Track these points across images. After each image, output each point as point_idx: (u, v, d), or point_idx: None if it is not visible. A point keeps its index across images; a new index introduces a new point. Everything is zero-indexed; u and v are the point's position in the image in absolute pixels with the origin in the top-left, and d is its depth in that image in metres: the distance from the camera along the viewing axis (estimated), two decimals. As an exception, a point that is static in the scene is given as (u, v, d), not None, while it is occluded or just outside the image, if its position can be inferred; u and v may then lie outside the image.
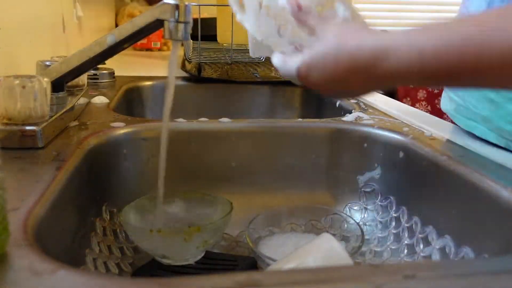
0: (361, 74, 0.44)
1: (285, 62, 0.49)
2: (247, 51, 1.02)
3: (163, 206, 0.58)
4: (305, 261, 0.46)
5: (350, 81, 0.46)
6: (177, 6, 0.54)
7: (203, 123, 0.69)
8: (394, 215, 0.65)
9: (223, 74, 1.03)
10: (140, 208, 0.57)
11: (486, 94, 0.61)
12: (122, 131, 0.63)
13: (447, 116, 0.74)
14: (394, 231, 0.63)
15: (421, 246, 0.58)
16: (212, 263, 0.57)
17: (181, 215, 0.60)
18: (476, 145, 0.62)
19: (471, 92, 0.65)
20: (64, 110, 0.62)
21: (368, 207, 0.68)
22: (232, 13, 0.99)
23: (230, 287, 0.30)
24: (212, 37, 1.31)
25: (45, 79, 0.56)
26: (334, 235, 0.53)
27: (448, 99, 0.71)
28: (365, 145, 0.69)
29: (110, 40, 0.60)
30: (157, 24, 0.56)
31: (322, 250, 0.47)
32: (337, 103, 0.90)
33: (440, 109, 0.77)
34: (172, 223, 0.59)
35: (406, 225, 0.62)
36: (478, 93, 0.63)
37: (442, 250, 0.55)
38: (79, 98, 0.70)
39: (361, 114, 0.76)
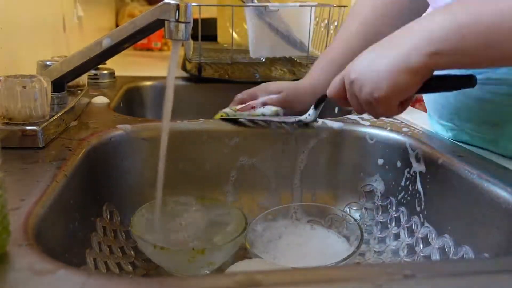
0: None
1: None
2: (247, 51, 1.02)
3: (177, 215, 0.58)
4: None
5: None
6: (177, 6, 0.54)
7: (203, 124, 0.69)
8: (394, 215, 0.65)
9: (224, 74, 1.03)
10: (151, 212, 0.56)
11: (488, 117, 0.60)
12: (122, 131, 0.63)
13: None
14: (394, 231, 0.64)
15: (421, 246, 0.58)
16: None
17: (192, 229, 0.58)
18: (476, 145, 0.62)
19: (468, 116, 0.62)
20: (65, 110, 0.62)
21: (368, 207, 0.68)
22: (232, 13, 1.00)
23: (230, 287, 0.30)
24: (213, 37, 1.31)
25: (46, 79, 0.56)
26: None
27: (442, 128, 0.68)
28: (365, 145, 0.69)
29: (110, 40, 0.60)
30: (158, 24, 0.56)
31: None
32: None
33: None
34: (182, 235, 0.57)
35: (405, 225, 0.62)
36: (478, 118, 0.61)
37: (442, 249, 0.55)
38: (79, 98, 0.70)
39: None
